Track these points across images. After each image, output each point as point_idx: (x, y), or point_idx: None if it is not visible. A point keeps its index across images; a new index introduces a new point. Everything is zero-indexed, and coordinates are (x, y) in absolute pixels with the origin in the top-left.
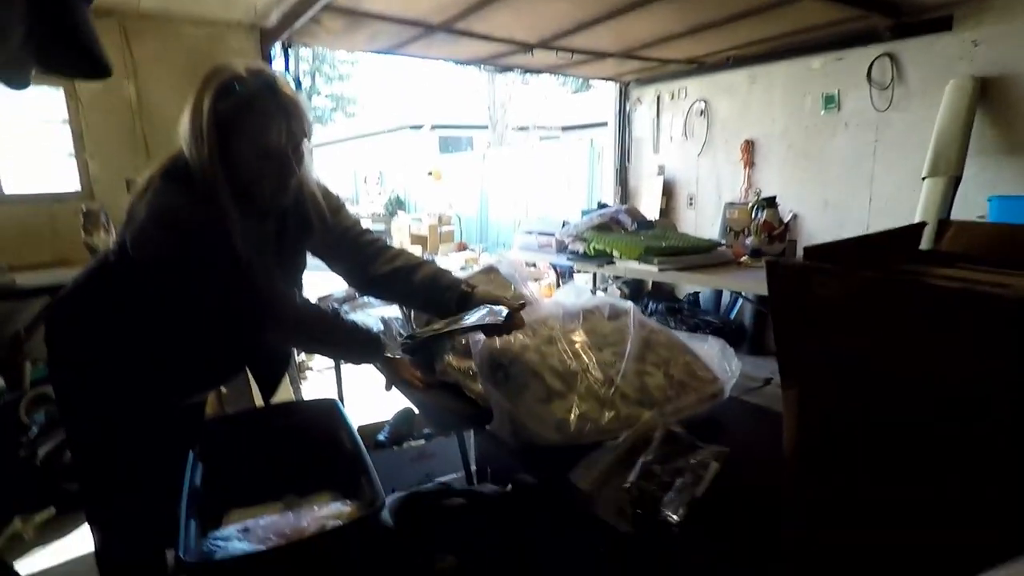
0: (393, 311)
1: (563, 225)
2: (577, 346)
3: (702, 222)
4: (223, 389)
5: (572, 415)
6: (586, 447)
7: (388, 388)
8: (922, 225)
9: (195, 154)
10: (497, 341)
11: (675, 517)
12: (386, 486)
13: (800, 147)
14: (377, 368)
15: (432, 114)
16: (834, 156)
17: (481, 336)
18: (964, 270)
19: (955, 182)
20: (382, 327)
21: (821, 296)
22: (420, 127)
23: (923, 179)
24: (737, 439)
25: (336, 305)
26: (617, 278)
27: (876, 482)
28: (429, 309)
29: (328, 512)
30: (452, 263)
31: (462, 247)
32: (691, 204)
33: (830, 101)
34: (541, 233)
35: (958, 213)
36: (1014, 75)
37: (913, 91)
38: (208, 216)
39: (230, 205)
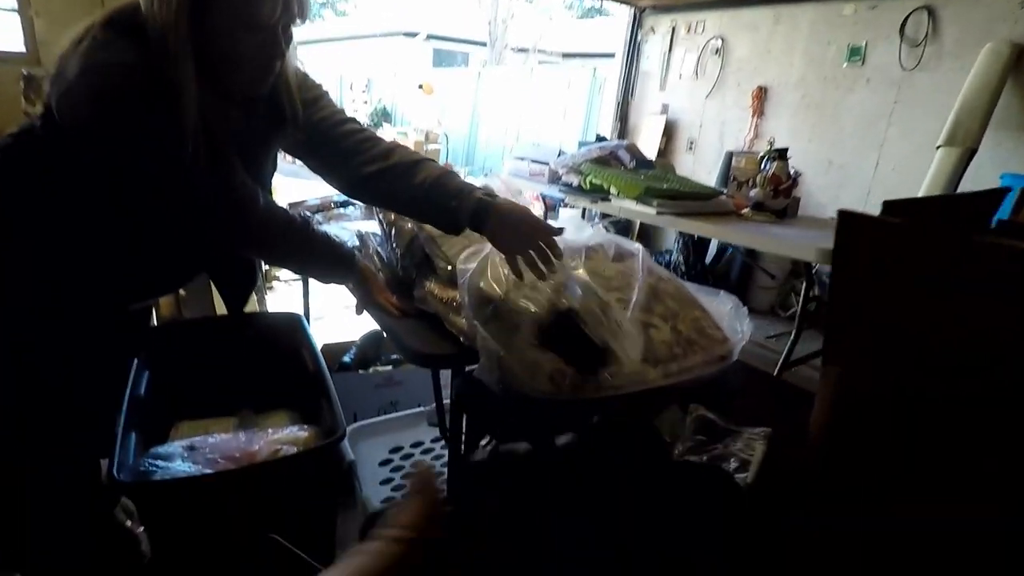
0: (373, 226)
1: (559, 154)
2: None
3: (700, 169)
4: (182, 292)
5: (570, 367)
6: (582, 404)
7: (359, 312)
8: (1005, 191)
9: (158, 7)
10: (488, 272)
11: None
12: (347, 410)
13: (815, 99)
14: (348, 289)
15: (429, 23)
16: (849, 113)
17: (471, 264)
18: None
19: (970, 154)
20: (358, 243)
21: (899, 255)
22: (415, 35)
23: (937, 148)
24: (750, 409)
25: (308, 214)
26: (606, 216)
27: (915, 466)
28: (432, 219)
29: (283, 437)
30: None
31: (448, 167)
32: (691, 148)
33: (855, 53)
34: (534, 161)
35: (966, 188)
36: None
37: (946, 51)
38: (155, 84)
39: (188, 78)
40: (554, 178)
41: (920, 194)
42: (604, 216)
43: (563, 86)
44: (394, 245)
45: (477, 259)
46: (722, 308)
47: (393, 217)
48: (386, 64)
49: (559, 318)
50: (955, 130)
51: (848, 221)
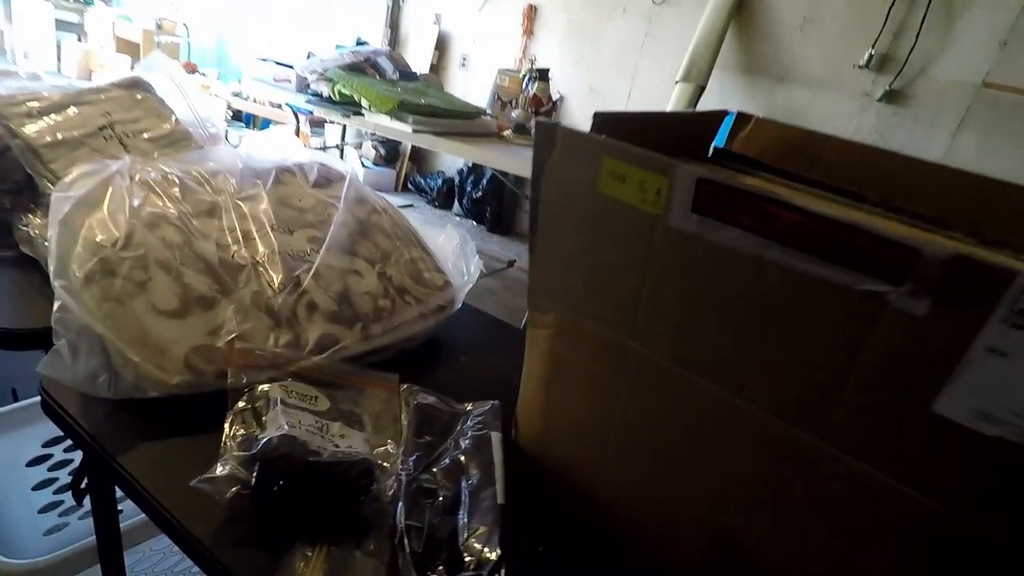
0: None
1: (308, 57)
2: (252, 225)
3: (473, 89)
4: None
5: (221, 339)
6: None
7: None
8: (724, 113)
9: None
10: (107, 203)
11: (492, 556)
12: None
13: (578, 24)
14: None
15: None
16: (608, 41)
17: (77, 191)
18: (768, 182)
19: (700, 91)
20: None
21: (611, 185)
22: None
23: (676, 83)
24: (476, 371)
25: None
26: (374, 136)
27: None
28: None
29: None
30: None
31: (191, 68)
32: (464, 65)
33: None
34: (278, 63)
35: None
36: None
37: None
38: None
39: None
40: (302, 86)
41: None
42: (374, 135)
43: None
44: None
45: (93, 182)
46: (448, 244)
47: None
48: None
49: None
50: (690, 67)
51: (545, 132)
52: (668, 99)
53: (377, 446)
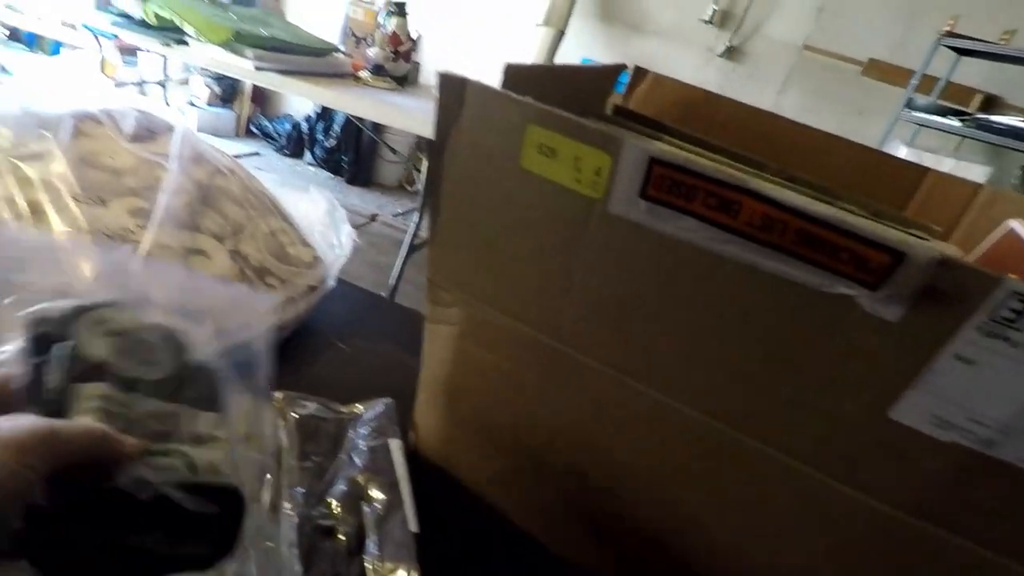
0: None
1: None
2: (45, 193)
3: (319, 21)
4: None
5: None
6: None
7: None
8: (621, 67)
9: None
10: None
11: None
12: None
13: None
14: None
15: None
16: None
17: None
18: (674, 147)
19: (560, 36)
20: None
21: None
22: None
23: (537, 26)
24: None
25: None
26: (206, 71)
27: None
28: None
29: None
30: None
31: None
32: None
33: None
34: None
35: None
36: None
37: None
38: None
39: None
40: (104, 2)
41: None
42: (203, 70)
43: None
44: None
45: None
46: (314, 211)
47: None
48: None
49: None
50: (550, 12)
51: (449, 86)
52: (525, 42)
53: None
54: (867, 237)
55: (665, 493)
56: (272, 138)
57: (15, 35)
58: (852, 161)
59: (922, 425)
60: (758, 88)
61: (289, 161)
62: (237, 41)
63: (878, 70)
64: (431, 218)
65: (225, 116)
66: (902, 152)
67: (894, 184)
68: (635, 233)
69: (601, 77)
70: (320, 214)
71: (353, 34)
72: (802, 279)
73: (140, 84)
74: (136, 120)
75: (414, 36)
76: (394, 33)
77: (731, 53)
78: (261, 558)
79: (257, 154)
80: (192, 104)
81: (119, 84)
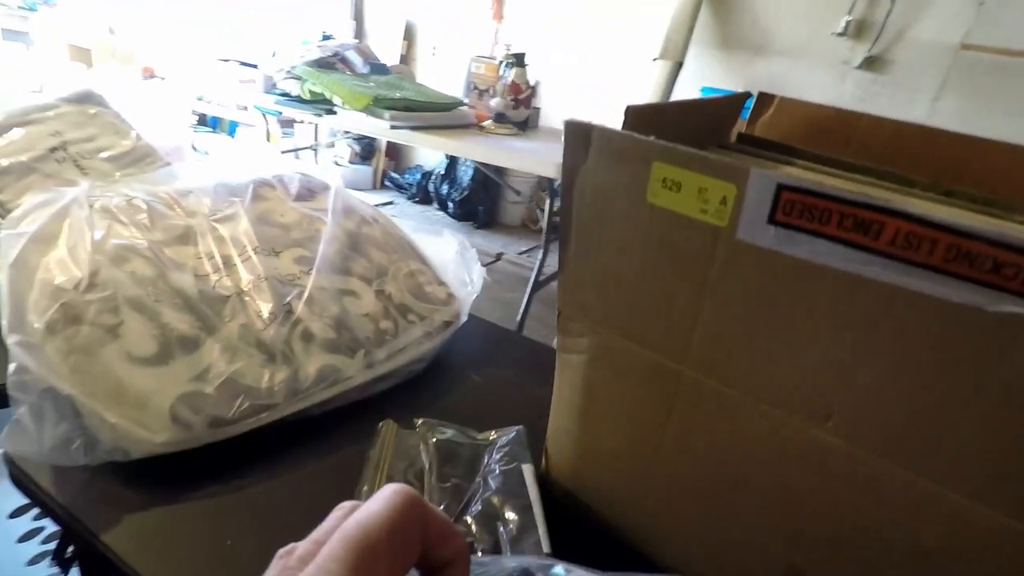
0: None
1: (272, 55)
2: (232, 249)
3: (446, 78)
4: None
5: (209, 384)
6: (227, 447)
7: None
8: (746, 96)
9: None
10: (64, 239)
11: None
12: None
13: (548, 5)
14: None
15: None
16: (587, 20)
17: (30, 226)
18: (807, 169)
19: (678, 68)
20: None
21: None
22: None
23: (654, 60)
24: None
25: None
26: (348, 134)
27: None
28: None
29: None
30: (128, 94)
31: (149, 72)
32: (434, 54)
33: None
34: (243, 64)
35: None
36: None
37: None
38: None
39: None
40: (270, 86)
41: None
42: (348, 134)
43: None
44: None
45: (47, 213)
46: (446, 251)
47: None
48: None
49: None
50: (667, 44)
51: (577, 133)
52: (642, 77)
53: None
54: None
55: (804, 523)
56: (403, 188)
57: (202, 120)
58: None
59: None
60: (907, 98)
61: (419, 208)
62: (376, 105)
63: None
64: (561, 253)
65: (363, 171)
66: None
67: None
68: (764, 258)
69: (725, 107)
70: (452, 254)
71: (475, 87)
72: (960, 299)
73: (296, 150)
74: (299, 182)
75: (532, 83)
76: (514, 82)
77: (871, 64)
78: None
79: (392, 203)
80: (336, 163)
81: (283, 152)
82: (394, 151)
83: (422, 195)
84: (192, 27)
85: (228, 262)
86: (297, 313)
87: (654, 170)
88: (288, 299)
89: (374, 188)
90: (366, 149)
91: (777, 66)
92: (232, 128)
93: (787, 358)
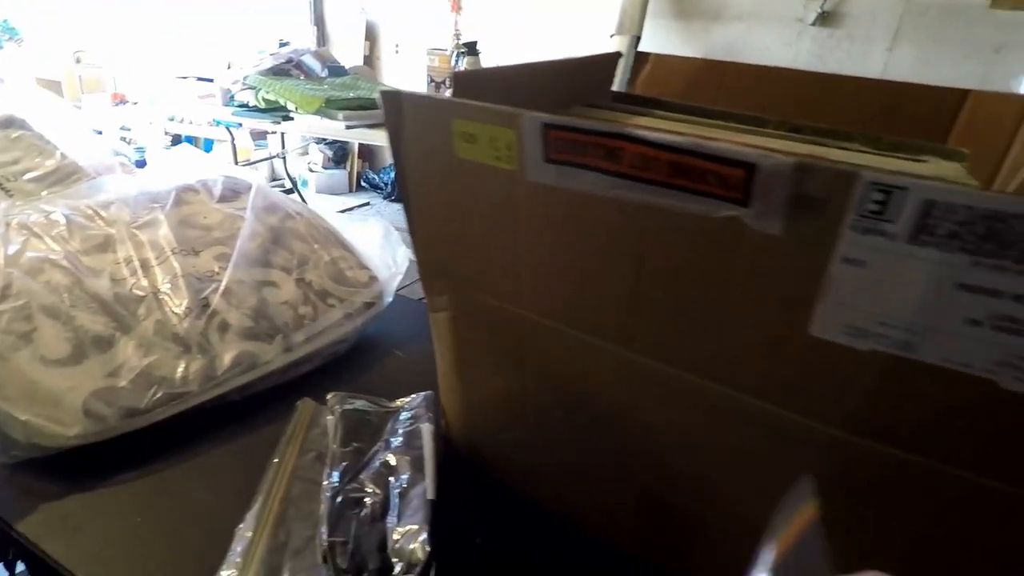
0: None
1: (228, 67)
2: (150, 253)
3: (411, 75)
4: None
5: (123, 378)
6: (149, 436)
7: None
8: (616, 55)
9: None
10: None
11: (420, 555)
12: None
13: None
14: None
15: None
16: (542, 2)
17: None
18: (665, 119)
19: (636, 41)
20: None
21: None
22: None
23: (611, 36)
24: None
25: None
26: (321, 140)
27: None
28: None
29: None
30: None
31: (119, 98)
32: (398, 52)
33: None
34: (199, 79)
35: None
36: None
37: None
38: None
39: None
40: (228, 99)
41: None
42: (321, 140)
43: None
44: None
45: None
46: (371, 238)
47: None
48: None
49: None
50: (623, 19)
51: (392, 102)
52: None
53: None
54: (721, 156)
55: (639, 442)
56: (380, 188)
57: (176, 140)
58: (877, 100)
59: (839, 337)
60: (862, 50)
61: (396, 206)
62: (328, 107)
63: None
64: (406, 216)
65: (338, 175)
66: None
67: (928, 115)
68: (553, 195)
69: (597, 68)
70: (377, 240)
71: (432, 80)
72: (691, 209)
73: (270, 159)
74: (223, 184)
75: None
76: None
77: (825, 19)
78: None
79: (368, 204)
80: (311, 169)
81: (247, 164)
82: (367, 152)
83: (397, 193)
84: (155, 46)
85: (146, 265)
86: (213, 306)
87: (454, 126)
88: (205, 294)
89: (350, 191)
90: (338, 153)
91: (734, 31)
92: (208, 145)
93: (591, 288)
